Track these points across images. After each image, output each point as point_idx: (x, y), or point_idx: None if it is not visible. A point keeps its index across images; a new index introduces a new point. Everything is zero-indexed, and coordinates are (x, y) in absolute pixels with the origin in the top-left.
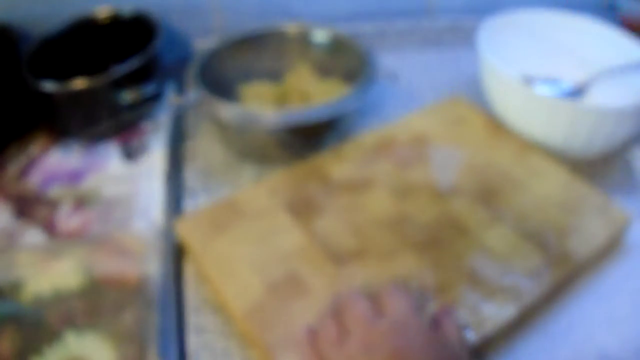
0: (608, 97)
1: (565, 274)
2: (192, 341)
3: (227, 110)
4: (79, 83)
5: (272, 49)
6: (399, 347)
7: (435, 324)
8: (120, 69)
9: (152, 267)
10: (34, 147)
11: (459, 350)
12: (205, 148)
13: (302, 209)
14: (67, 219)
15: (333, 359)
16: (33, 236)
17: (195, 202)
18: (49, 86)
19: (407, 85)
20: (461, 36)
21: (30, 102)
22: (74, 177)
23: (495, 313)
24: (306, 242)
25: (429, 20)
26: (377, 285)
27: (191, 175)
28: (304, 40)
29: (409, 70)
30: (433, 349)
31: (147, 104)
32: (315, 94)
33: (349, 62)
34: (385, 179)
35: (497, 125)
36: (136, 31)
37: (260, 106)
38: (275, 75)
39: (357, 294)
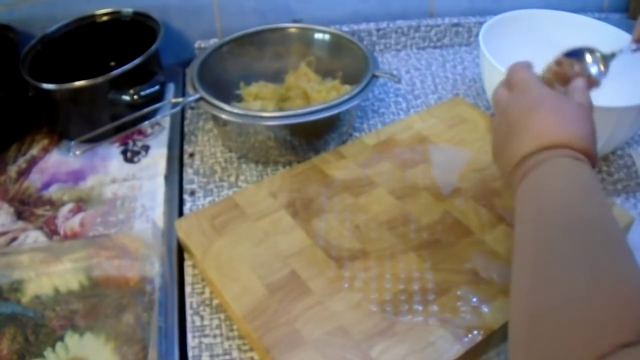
0: (609, 96)
1: None
2: (193, 342)
3: (227, 111)
4: (80, 83)
5: (272, 49)
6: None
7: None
8: (120, 70)
9: (153, 268)
10: (35, 148)
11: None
12: (206, 148)
13: (303, 210)
14: (68, 220)
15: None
16: (33, 237)
17: (196, 203)
18: (49, 87)
19: (408, 85)
20: (462, 36)
21: (30, 102)
22: (75, 177)
23: (497, 313)
24: (307, 242)
25: (430, 21)
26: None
27: (191, 176)
28: (304, 40)
29: (409, 71)
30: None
31: (147, 105)
32: (315, 95)
33: (349, 62)
34: (386, 179)
35: None
36: (137, 32)
37: (261, 106)
38: (275, 76)
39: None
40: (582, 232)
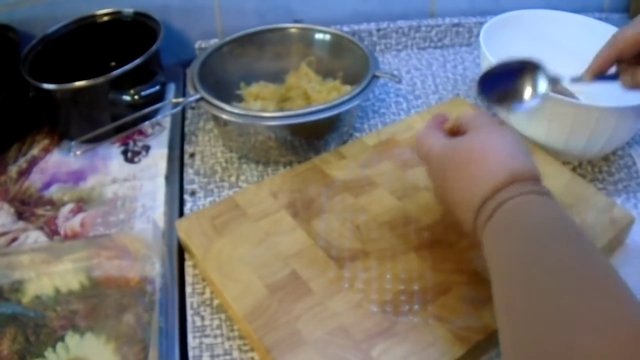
0: (610, 96)
1: None
2: (193, 342)
3: (228, 111)
4: (80, 84)
5: (273, 49)
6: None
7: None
8: (121, 70)
9: (153, 268)
10: (35, 148)
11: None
12: (206, 149)
13: (303, 210)
14: (68, 220)
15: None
16: (34, 237)
17: (196, 203)
18: (50, 87)
19: (408, 85)
20: (463, 36)
21: (31, 102)
22: (75, 178)
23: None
24: (307, 243)
25: (431, 21)
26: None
27: (192, 176)
28: (305, 40)
29: (410, 71)
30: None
31: (148, 105)
32: (316, 95)
33: (350, 62)
34: (387, 179)
35: None
36: (137, 32)
37: (262, 107)
38: (276, 76)
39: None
40: (568, 271)
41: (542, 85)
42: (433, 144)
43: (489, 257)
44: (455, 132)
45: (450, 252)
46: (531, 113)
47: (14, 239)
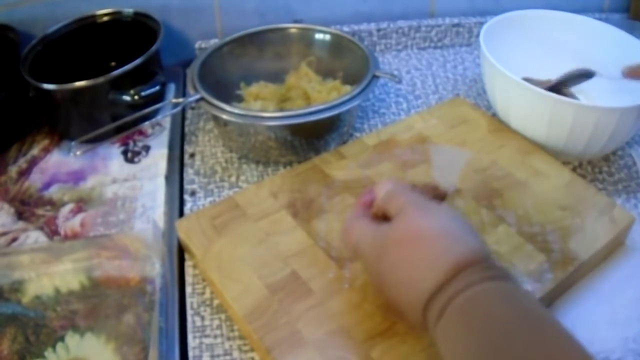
0: (610, 96)
1: (568, 275)
2: (193, 342)
3: (228, 111)
4: (80, 84)
5: (273, 49)
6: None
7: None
8: (121, 70)
9: (153, 268)
10: (35, 148)
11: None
12: (206, 149)
13: (304, 210)
14: (68, 220)
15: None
16: (34, 237)
17: (196, 203)
18: (50, 87)
19: (408, 85)
20: (463, 37)
21: (31, 103)
22: (75, 178)
23: None
24: (307, 243)
25: (431, 21)
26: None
27: (192, 176)
28: (305, 40)
29: (410, 71)
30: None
31: (148, 105)
32: (316, 95)
33: (350, 62)
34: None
35: (499, 126)
36: (137, 32)
37: (262, 107)
38: (276, 76)
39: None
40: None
41: None
42: (361, 235)
43: (445, 355)
44: (382, 214)
45: None
46: (531, 113)
47: (14, 239)
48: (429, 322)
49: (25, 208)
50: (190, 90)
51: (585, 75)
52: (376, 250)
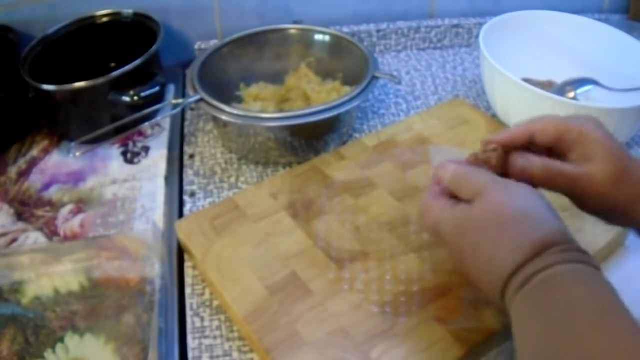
0: (610, 97)
1: None
2: (193, 343)
3: (227, 112)
4: (80, 84)
5: (272, 50)
6: None
7: None
8: (121, 71)
9: (153, 269)
10: (35, 149)
11: None
12: (206, 150)
13: (303, 211)
14: (68, 221)
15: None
16: (34, 238)
17: (196, 204)
18: (49, 88)
19: (408, 86)
20: (462, 37)
21: (31, 103)
22: (75, 179)
23: (497, 315)
24: (307, 244)
25: (430, 22)
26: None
27: (191, 177)
28: (305, 41)
29: (410, 72)
30: None
31: (147, 106)
32: (316, 96)
33: (350, 63)
34: (387, 180)
35: (498, 126)
36: (137, 33)
37: (261, 108)
38: (276, 77)
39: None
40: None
41: None
42: (439, 216)
43: (517, 332)
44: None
45: None
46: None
47: (14, 240)
48: (506, 301)
49: (25, 209)
50: (190, 91)
51: (586, 82)
52: (457, 230)
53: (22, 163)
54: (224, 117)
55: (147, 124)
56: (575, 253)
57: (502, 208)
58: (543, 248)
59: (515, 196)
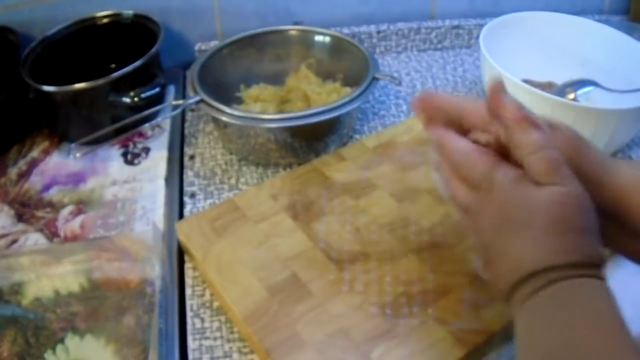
0: (610, 98)
1: None
2: (193, 344)
3: (228, 113)
4: (80, 86)
5: (273, 51)
6: None
7: None
8: (121, 72)
9: (153, 270)
10: (35, 150)
11: None
12: (206, 151)
13: (303, 212)
14: (68, 222)
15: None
16: (34, 239)
17: (196, 205)
18: (50, 89)
19: (408, 87)
20: (462, 38)
21: (31, 105)
22: (75, 180)
23: (497, 316)
24: (307, 245)
25: (430, 23)
26: None
27: (192, 178)
28: (305, 42)
29: (410, 73)
30: None
31: (148, 107)
32: (316, 97)
33: (350, 64)
34: (387, 181)
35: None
36: (137, 34)
37: (261, 109)
38: (276, 78)
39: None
40: None
41: None
42: (501, 177)
43: (520, 334)
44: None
45: (450, 254)
46: None
47: (14, 241)
48: (514, 298)
49: (25, 210)
50: (190, 92)
51: (586, 83)
52: (514, 200)
53: (22, 164)
54: (224, 118)
55: (147, 125)
56: (597, 269)
57: (568, 213)
58: (578, 263)
59: (580, 199)
